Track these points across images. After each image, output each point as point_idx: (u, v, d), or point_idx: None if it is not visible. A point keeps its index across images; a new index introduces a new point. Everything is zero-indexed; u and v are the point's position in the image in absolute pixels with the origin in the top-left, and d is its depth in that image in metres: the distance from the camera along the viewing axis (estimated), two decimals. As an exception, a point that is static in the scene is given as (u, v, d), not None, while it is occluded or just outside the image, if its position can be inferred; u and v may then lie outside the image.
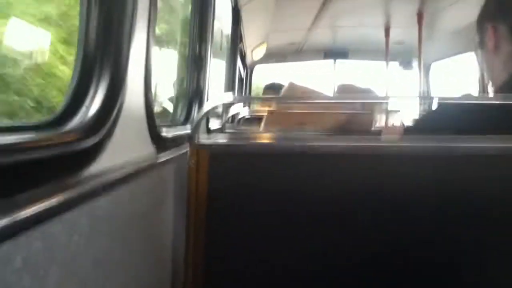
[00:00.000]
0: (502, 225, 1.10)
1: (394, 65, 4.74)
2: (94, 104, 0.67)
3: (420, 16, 3.61)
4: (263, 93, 4.75)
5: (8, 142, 0.46)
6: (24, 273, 0.44)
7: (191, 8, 1.73)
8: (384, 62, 4.46)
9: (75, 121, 0.64)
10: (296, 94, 2.63)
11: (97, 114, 0.66)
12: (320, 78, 5.65)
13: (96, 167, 0.64)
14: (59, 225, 0.50)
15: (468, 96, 1.22)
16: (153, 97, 0.96)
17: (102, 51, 0.71)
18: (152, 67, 0.91)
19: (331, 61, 5.27)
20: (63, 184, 0.54)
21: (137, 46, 0.81)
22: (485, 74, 1.33)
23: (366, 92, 2.80)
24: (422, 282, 1.14)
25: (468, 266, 1.13)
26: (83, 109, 0.66)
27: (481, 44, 1.29)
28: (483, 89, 3.27)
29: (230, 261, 1.16)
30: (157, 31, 0.95)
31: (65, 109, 0.66)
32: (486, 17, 1.26)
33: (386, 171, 1.14)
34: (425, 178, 1.12)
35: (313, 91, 2.74)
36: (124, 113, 0.74)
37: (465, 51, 3.84)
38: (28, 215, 0.43)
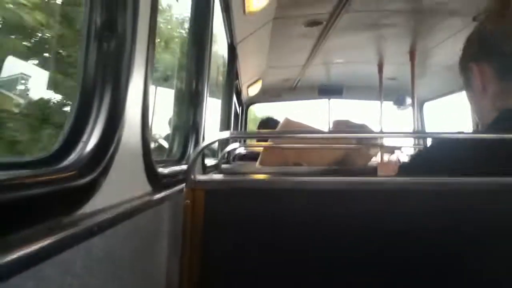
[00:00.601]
0: (495, 257, 1.09)
1: (389, 104, 4.79)
2: (91, 140, 0.67)
3: (412, 54, 3.69)
4: (258, 128, 4.78)
5: (1, 178, 0.45)
6: None
7: (188, 44, 1.75)
8: (378, 102, 4.50)
9: (72, 157, 0.63)
10: (292, 129, 2.64)
11: (94, 150, 0.66)
12: (315, 115, 5.70)
13: (91, 205, 0.62)
14: (52, 266, 0.49)
15: (461, 132, 1.23)
16: (150, 134, 0.95)
17: (100, 87, 0.71)
18: (149, 104, 0.91)
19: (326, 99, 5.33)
20: (57, 224, 0.52)
21: (135, 83, 0.81)
22: (474, 114, 1.34)
23: (361, 127, 2.81)
24: None
25: None
26: (81, 144, 0.65)
27: (468, 85, 1.29)
28: (477, 126, 3.31)
29: None
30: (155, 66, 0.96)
31: (62, 144, 0.65)
32: (469, 58, 1.25)
33: (382, 207, 1.13)
34: (421, 214, 1.12)
35: (309, 127, 2.75)
36: (121, 149, 0.74)
37: (458, 89, 3.90)
38: (20, 256, 0.41)
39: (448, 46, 3.34)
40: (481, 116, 1.29)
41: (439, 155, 1.25)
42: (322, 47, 3.57)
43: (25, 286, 0.43)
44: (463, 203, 1.12)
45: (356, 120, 2.92)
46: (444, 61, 3.78)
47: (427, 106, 4.66)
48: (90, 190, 0.63)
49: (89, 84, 0.71)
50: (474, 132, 2.31)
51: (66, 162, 0.62)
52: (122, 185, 0.77)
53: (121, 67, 0.75)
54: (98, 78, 0.72)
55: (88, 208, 0.62)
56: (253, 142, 3.71)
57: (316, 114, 5.66)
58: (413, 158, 1.92)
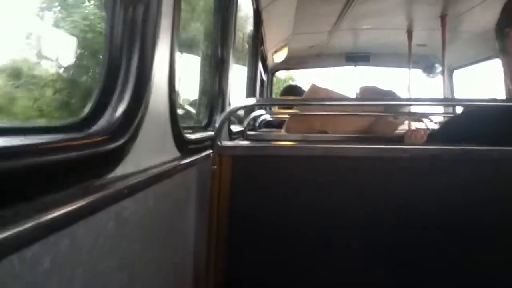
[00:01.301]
0: None
1: (417, 72, 4.68)
2: (120, 106, 0.67)
3: (443, 19, 3.56)
4: (281, 96, 4.73)
5: (34, 142, 0.46)
6: (52, 274, 0.44)
7: (213, 11, 1.74)
8: (406, 69, 4.40)
9: (101, 122, 0.64)
10: (319, 96, 2.61)
11: (123, 116, 0.67)
12: (342, 82, 5.62)
13: (121, 169, 0.64)
14: (85, 227, 0.51)
15: (492, 100, 1.20)
16: (177, 100, 0.96)
17: (127, 54, 0.72)
18: (176, 70, 0.92)
19: (352, 66, 5.23)
20: (89, 187, 0.54)
21: (161, 49, 0.81)
22: (508, 80, 1.31)
23: (389, 94, 2.76)
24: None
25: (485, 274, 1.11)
26: (109, 110, 0.66)
27: (503, 50, 1.26)
28: (510, 94, 3.21)
29: (252, 265, 1.16)
30: (180, 34, 0.96)
31: (91, 110, 0.66)
32: (505, 23, 1.23)
33: (409, 175, 1.12)
34: (449, 182, 1.11)
35: (335, 94, 2.72)
36: (148, 115, 0.75)
37: (489, 57, 3.77)
38: (55, 217, 0.43)
39: (480, 11, 3.21)
40: None
41: (469, 124, 1.23)
42: (350, 12, 3.48)
43: (61, 244, 0.45)
44: (493, 172, 1.10)
45: (384, 87, 2.86)
46: (476, 27, 3.65)
47: (456, 74, 4.53)
48: (119, 154, 0.64)
49: (115, 50, 0.71)
50: (506, 100, 2.25)
51: (95, 127, 0.63)
52: (151, 150, 0.78)
53: (147, 32, 0.75)
54: (125, 44, 0.72)
55: (118, 172, 0.63)
56: (279, 109, 3.69)
57: (343, 82, 5.58)
58: (443, 126, 1.88)
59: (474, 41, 3.92)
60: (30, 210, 0.40)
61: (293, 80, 9.90)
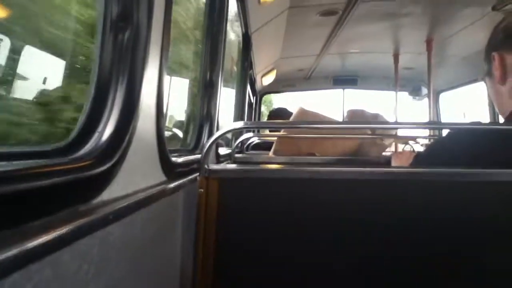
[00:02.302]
0: (507, 250, 1.09)
1: (404, 95, 4.74)
2: (107, 130, 0.67)
3: (429, 43, 3.64)
4: (268, 119, 4.76)
5: (18, 168, 0.46)
6: None
7: (203, 34, 1.75)
8: (393, 92, 4.46)
9: (88, 147, 0.64)
10: (307, 119, 2.63)
11: (109, 140, 0.67)
12: (329, 105, 5.67)
13: (107, 194, 0.64)
14: (69, 254, 0.50)
15: (478, 123, 1.22)
16: (164, 124, 0.96)
17: (116, 78, 0.72)
18: (164, 95, 0.92)
19: (340, 89, 5.29)
20: (74, 212, 0.53)
21: (150, 73, 0.81)
22: (494, 103, 1.34)
23: (376, 117, 2.79)
24: None
25: None
26: (96, 135, 0.66)
27: (489, 73, 1.30)
28: (494, 117, 3.26)
29: (239, 286, 1.15)
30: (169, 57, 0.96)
31: (78, 134, 0.66)
32: (493, 47, 1.27)
33: (396, 197, 1.13)
34: (435, 205, 1.12)
35: (323, 117, 2.74)
36: (135, 139, 0.75)
37: (475, 80, 3.84)
38: (39, 243, 0.42)
39: (466, 35, 3.29)
40: (500, 104, 1.30)
41: (454, 146, 1.24)
42: (337, 36, 3.54)
43: (43, 272, 0.45)
44: (478, 195, 1.11)
45: (371, 110, 2.90)
46: (462, 51, 3.73)
47: (442, 97, 4.60)
48: (106, 179, 0.64)
49: (104, 74, 0.72)
50: (490, 123, 2.28)
51: (82, 152, 0.63)
52: (137, 175, 0.78)
53: (136, 57, 0.76)
54: (114, 69, 0.73)
55: (104, 196, 0.63)
56: (267, 132, 3.71)
57: (330, 105, 5.63)
58: (429, 149, 1.90)
59: (459, 64, 4.00)
60: (12, 237, 0.40)
61: (271, 103, 9.99)
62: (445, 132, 1.38)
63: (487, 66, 1.30)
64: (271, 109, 5.00)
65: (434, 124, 3.49)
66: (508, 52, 1.22)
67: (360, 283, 1.13)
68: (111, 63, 0.73)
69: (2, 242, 0.38)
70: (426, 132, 3.55)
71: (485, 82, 1.36)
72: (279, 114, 4.32)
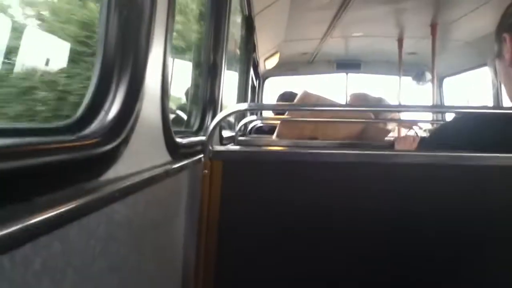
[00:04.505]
0: (508, 235, 1.10)
1: (407, 79, 4.71)
2: (112, 109, 0.68)
3: (433, 27, 3.60)
4: (277, 102, 4.74)
5: (27, 143, 0.47)
6: (42, 276, 0.44)
7: (206, 17, 1.74)
8: (397, 77, 4.43)
9: (94, 125, 0.64)
10: (310, 102, 2.62)
11: (115, 119, 0.67)
12: (332, 90, 5.65)
13: (113, 172, 0.64)
14: (76, 229, 0.50)
15: (483, 107, 1.21)
16: (169, 104, 0.96)
17: (120, 58, 0.72)
18: (169, 75, 0.92)
19: (343, 74, 5.26)
20: (81, 189, 0.54)
21: (155, 54, 0.81)
22: (504, 86, 1.32)
23: (379, 101, 2.79)
24: None
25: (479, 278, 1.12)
26: (102, 113, 0.66)
27: (499, 55, 1.28)
28: (498, 103, 3.24)
29: (241, 269, 1.16)
30: (173, 38, 0.96)
31: (84, 113, 0.66)
32: (504, 28, 1.24)
33: (398, 180, 1.13)
34: (439, 189, 1.12)
35: (327, 100, 2.74)
36: (141, 119, 0.75)
37: (479, 65, 3.81)
38: (46, 218, 0.43)
39: (471, 20, 3.25)
40: (509, 87, 1.28)
41: (460, 130, 1.24)
42: (341, 20, 3.51)
43: (52, 246, 0.45)
44: (482, 179, 1.12)
45: (374, 94, 2.89)
46: (466, 36, 3.69)
47: (446, 82, 4.57)
48: (111, 158, 0.64)
49: (109, 54, 0.72)
50: (496, 107, 2.27)
51: (88, 130, 0.63)
52: (142, 154, 0.78)
53: (141, 37, 0.76)
54: (118, 49, 0.72)
55: (110, 174, 0.63)
56: (270, 115, 3.70)
57: (333, 90, 5.61)
58: (433, 133, 1.90)
59: (464, 49, 3.96)
60: (21, 211, 0.40)
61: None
62: (448, 118, 1.38)
63: (497, 48, 1.28)
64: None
65: (438, 107, 3.48)
66: None
67: (364, 264, 1.14)
68: (115, 42, 0.72)
69: (11, 215, 0.38)
70: (429, 117, 3.54)
71: (492, 66, 1.34)
72: (287, 97, 4.31)
